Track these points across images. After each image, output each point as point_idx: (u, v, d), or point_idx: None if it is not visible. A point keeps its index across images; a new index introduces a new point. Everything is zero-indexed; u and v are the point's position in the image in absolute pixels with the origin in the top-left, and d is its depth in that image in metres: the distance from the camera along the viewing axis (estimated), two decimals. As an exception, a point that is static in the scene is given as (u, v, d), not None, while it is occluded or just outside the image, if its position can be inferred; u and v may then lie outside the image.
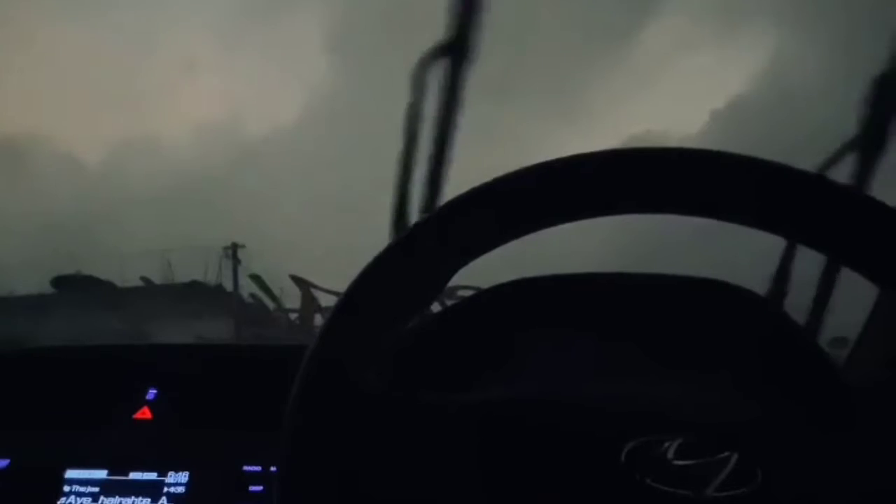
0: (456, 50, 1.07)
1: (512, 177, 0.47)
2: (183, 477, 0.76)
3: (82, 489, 0.77)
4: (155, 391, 0.85)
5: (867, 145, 1.01)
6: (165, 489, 0.76)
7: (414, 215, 1.09)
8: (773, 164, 0.46)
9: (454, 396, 0.48)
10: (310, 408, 0.46)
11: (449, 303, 0.76)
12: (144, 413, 0.84)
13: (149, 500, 0.76)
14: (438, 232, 0.48)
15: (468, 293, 0.76)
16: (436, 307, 0.74)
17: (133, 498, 0.76)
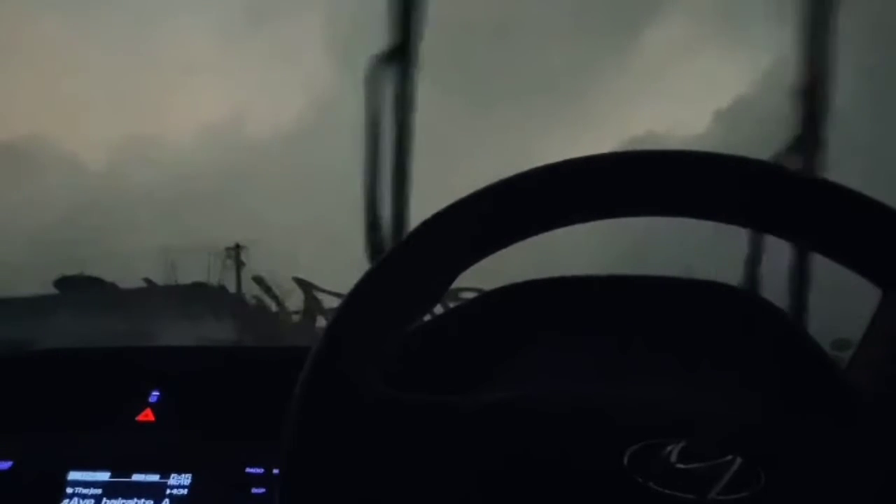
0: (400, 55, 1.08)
1: (518, 178, 0.48)
2: (186, 479, 0.76)
3: (85, 491, 0.77)
4: (157, 393, 0.85)
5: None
6: (168, 491, 0.76)
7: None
8: (774, 166, 0.46)
9: (456, 399, 0.48)
10: (312, 410, 0.46)
11: (452, 305, 0.76)
12: (147, 415, 0.84)
13: (151, 501, 0.76)
14: (442, 234, 0.48)
15: (471, 295, 0.76)
16: (438, 309, 0.74)
17: (136, 500, 0.76)
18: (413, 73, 1.09)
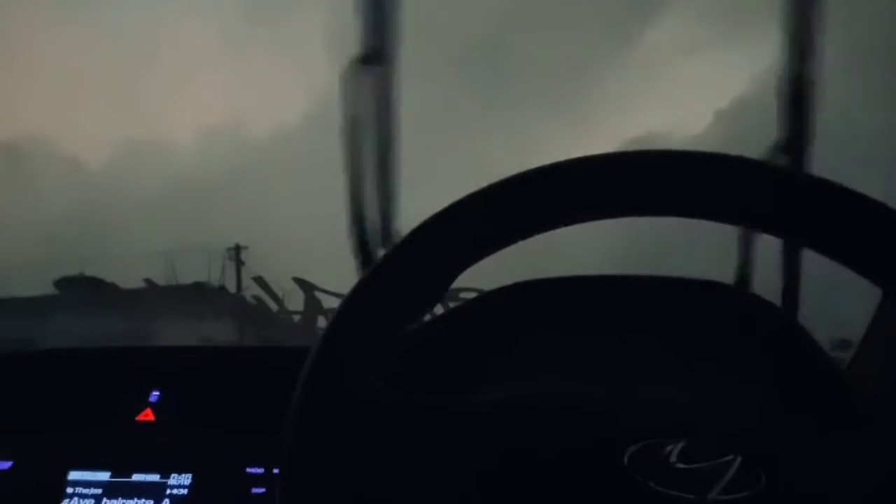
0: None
1: (517, 178, 0.48)
2: (186, 479, 0.77)
3: (85, 491, 0.77)
4: (158, 393, 0.85)
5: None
6: (168, 491, 0.76)
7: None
8: (775, 165, 0.46)
9: (456, 400, 0.48)
10: (312, 410, 0.46)
11: (452, 305, 0.76)
12: (147, 415, 0.84)
13: (151, 501, 0.76)
14: (442, 234, 0.49)
15: (471, 295, 0.76)
16: (438, 309, 0.74)
17: (136, 499, 0.76)
18: (392, 74, 1.09)
